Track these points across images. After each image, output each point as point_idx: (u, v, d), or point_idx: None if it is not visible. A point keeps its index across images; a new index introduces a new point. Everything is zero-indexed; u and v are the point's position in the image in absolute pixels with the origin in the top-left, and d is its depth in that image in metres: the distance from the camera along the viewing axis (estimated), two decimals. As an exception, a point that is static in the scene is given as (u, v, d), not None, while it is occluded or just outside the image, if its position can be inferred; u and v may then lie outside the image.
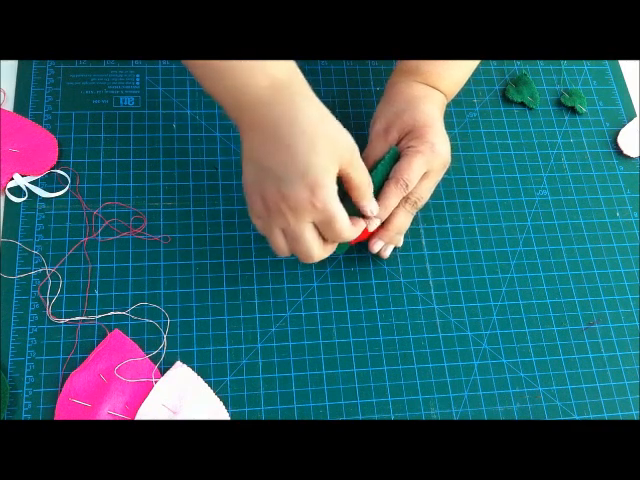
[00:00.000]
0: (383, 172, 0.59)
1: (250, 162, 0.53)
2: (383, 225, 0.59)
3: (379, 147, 0.61)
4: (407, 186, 0.58)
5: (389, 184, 0.58)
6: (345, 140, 0.52)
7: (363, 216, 0.57)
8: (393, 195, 0.58)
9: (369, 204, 0.56)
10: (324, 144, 0.50)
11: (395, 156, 0.60)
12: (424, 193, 0.60)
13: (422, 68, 0.63)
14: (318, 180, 0.49)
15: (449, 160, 0.61)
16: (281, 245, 0.55)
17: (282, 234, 0.54)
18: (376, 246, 0.61)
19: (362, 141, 0.68)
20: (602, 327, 0.64)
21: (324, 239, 0.55)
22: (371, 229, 0.58)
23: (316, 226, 0.53)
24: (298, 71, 0.53)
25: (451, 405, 0.59)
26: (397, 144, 0.60)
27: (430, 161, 0.59)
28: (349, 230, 0.54)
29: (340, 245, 0.60)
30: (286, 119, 0.50)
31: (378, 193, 0.59)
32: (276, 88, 0.51)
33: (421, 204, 0.60)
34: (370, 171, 0.59)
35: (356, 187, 0.54)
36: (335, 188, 0.51)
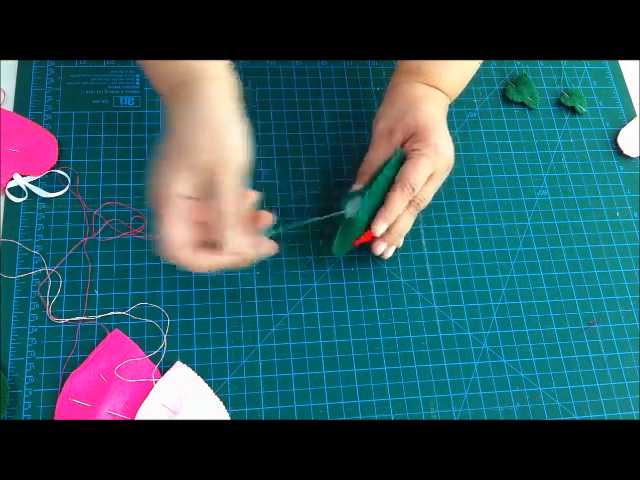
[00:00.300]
0: (389, 175, 0.59)
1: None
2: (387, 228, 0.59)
3: (383, 148, 0.61)
4: (413, 190, 0.58)
5: (396, 188, 0.58)
6: (211, 143, 0.48)
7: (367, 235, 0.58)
8: (400, 199, 0.58)
9: (222, 237, 0.48)
10: (181, 141, 0.48)
11: (401, 159, 0.60)
12: (428, 194, 0.60)
13: (424, 68, 0.63)
14: (159, 175, 0.48)
15: (453, 161, 0.61)
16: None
17: None
18: (379, 248, 0.61)
19: (362, 141, 0.68)
20: (602, 327, 0.64)
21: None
22: (378, 234, 0.59)
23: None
24: (224, 73, 0.51)
25: (451, 405, 0.59)
26: (401, 146, 0.60)
27: (435, 163, 0.59)
28: (170, 239, 0.48)
29: (341, 246, 0.61)
30: (176, 115, 0.49)
31: (384, 196, 0.59)
32: (186, 85, 0.51)
33: (424, 205, 0.60)
34: (376, 175, 0.59)
35: (213, 210, 0.48)
36: (178, 189, 0.47)
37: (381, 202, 0.59)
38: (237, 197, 0.48)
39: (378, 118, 0.63)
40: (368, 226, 0.59)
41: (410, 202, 0.59)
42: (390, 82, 0.65)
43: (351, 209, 0.58)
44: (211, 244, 0.49)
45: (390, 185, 0.59)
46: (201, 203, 0.48)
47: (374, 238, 0.60)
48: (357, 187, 0.61)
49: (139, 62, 0.56)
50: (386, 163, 0.59)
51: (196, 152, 0.47)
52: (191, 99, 0.50)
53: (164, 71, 0.53)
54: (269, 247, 0.52)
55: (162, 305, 0.60)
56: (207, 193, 0.48)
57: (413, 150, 0.59)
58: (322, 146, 0.70)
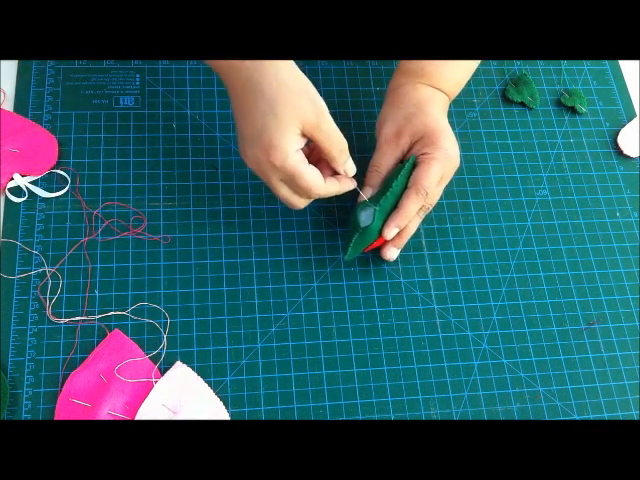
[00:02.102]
0: (403, 182, 0.59)
1: (236, 127, 0.56)
2: (398, 232, 0.59)
3: (390, 152, 0.61)
4: (427, 194, 0.58)
5: (410, 194, 0.58)
6: (309, 103, 0.53)
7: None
8: (414, 204, 0.58)
9: (340, 166, 0.57)
10: (283, 107, 0.52)
11: (413, 164, 0.60)
12: (436, 197, 0.60)
13: (426, 69, 0.63)
14: (272, 141, 0.52)
15: (459, 162, 0.61)
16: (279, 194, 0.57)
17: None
18: (390, 252, 0.61)
19: (362, 141, 0.68)
20: (602, 327, 0.64)
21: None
22: (389, 237, 0.59)
23: None
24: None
25: (451, 405, 0.59)
26: (408, 149, 0.60)
27: (445, 166, 0.59)
28: (319, 186, 0.55)
29: (353, 251, 0.60)
30: (250, 83, 0.53)
31: (398, 202, 0.59)
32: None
33: (431, 208, 0.60)
34: (390, 183, 0.59)
35: (325, 151, 0.55)
36: (295, 147, 0.53)
37: (393, 207, 0.59)
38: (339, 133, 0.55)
39: (383, 121, 0.62)
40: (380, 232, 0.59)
41: (421, 206, 0.59)
42: (390, 83, 0.65)
43: (366, 218, 0.58)
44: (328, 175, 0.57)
45: (403, 190, 0.59)
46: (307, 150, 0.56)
47: (385, 243, 0.60)
48: (367, 192, 0.61)
49: (207, 62, 0.59)
50: (400, 170, 0.59)
51: (302, 113, 0.52)
52: (268, 72, 0.53)
53: (230, 69, 0.55)
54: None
55: (162, 305, 0.60)
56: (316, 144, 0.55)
57: (423, 154, 0.59)
58: (322, 146, 0.69)
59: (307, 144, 0.56)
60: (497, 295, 0.64)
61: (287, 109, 0.52)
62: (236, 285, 0.62)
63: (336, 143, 0.55)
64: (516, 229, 0.68)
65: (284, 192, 0.56)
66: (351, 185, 0.59)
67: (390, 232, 0.59)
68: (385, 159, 0.61)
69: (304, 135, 0.54)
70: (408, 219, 0.59)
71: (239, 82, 0.54)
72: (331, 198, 0.59)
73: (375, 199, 0.59)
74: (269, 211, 0.65)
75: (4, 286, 0.59)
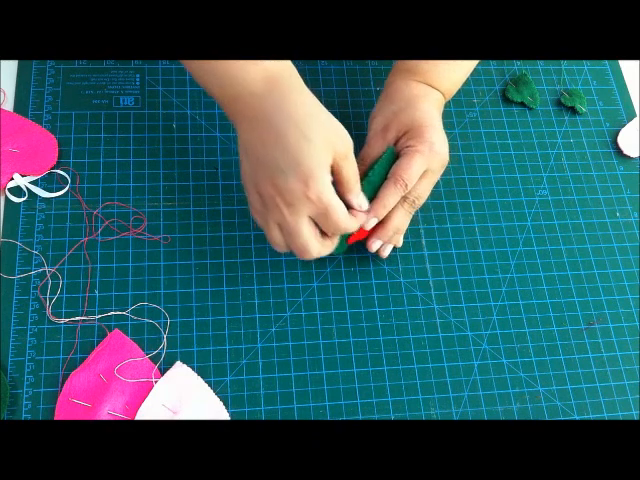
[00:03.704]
0: (380, 172, 0.59)
1: (245, 155, 0.53)
2: (381, 224, 0.59)
3: (377, 146, 0.61)
4: (406, 185, 0.58)
5: (388, 183, 0.58)
6: (340, 132, 0.52)
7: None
8: (392, 194, 0.58)
9: (356, 197, 0.55)
10: (317, 135, 0.50)
11: (392, 156, 0.60)
12: (423, 192, 0.60)
13: (421, 67, 0.63)
14: (312, 171, 0.49)
15: (447, 160, 0.61)
16: (278, 240, 0.55)
17: (279, 228, 0.54)
18: (374, 245, 0.61)
19: (362, 141, 0.68)
20: (602, 327, 0.64)
21: (322, 233, 0.55)
22: (368, 227, 0.58)
23: (313, 220, 0.53)
24: (292, 65, 0.53)
25: (451, 405, 0.59)
26: (395, 143, 0.60)
27: (429, 160, 0.59)
28: (347, 221, 0.54)
29: (338, 245, 0.60)
30: (279, 111, 0.50)
31: (376, 193, 0.59)
32: (269, 81, 0.51)
33: (419, 203, 0.60)
34: (367, 171, 0.59)
35: (345, 181, 0.54)
36: (329, 179, 0.51)
37: (372, 198, 0.59)
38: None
39: (374, 116, 0.63)
40: None
41: (404, 199, 0.59)
42: (387, 80, 0.65)
43: None
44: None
45: (381, 181, 0.59)
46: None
47: (369, 235, 0.60)
48: None
49: (188, 67, 0.56)
50: (377, 160, 0.59)
51: (333, 140, 0.51)
52: (289, 93, 0.51)
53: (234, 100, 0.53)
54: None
55: (162, 305, 0.60)
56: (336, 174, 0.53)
57: (407, 147, 0.59)
58: (322, 146, 0.69)
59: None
60: (497, 295, 0.64)
61: (320, 136, 0.50)
62: (236, 285, 0.62)
63: (355, 172, 0.54)
64: (516, 229, 0.68)
65: (305, 230, 0.53)
66: (374, 222, 0.58)
67: (369, 222, 0.58)
68: (371, 152, 0.61)
69: (331, 167, 0.52)
70: (386, 209, 0.58)
71: (262, 111, 0.51)
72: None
73: None
74: (269, 211, 0.65)
75: (4, 286, 0.59)
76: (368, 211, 0.57)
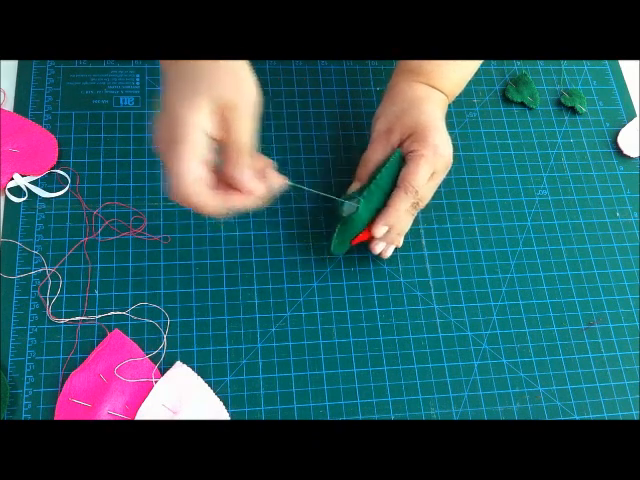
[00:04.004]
0: (388, 175, 0.59)
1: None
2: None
3: (381, 148, 0.61)
4: (416, 192, 0.58)
5: (399, 192, 0.58)
6: (234, 81, 0.47)
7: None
8: (402, 202, 0.58)
9: (232, 168, 0.47)
10: (201, 75, 0.46)
11: (399, 159, 0.60)
12: (427, 194, 0.60)
13: (424, 68, 0.63)
14: (177, 112, 0.46)
15: (451, 161, 0.61)
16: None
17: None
18: (377, 247, 0.61)
19: (362, 141, 0.68)
20: (602, 327, 0.64)
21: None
22: (378, 235, 0.59)
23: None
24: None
25: (451, 405, 0.59)
26: (399, 145, 0.60)
27: (434, 164, 0.59)
28: (187, 176, 0.46)
29: (341, 245, 0.61)
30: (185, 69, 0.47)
31: (386, 198, 0.59)
32: None
33: (423, 205, 0.60)
34: (375, 174, 0.59)
35: (230, 142, 0.47)
36: (196, 120, 0.45)
37: (379, 201, 0.59)
38: (253, 135, 0.48)
39: (377, 117, 0.63)
40: (366, 225, 0.59)
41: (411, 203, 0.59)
42: (389, 81, 0.65)
43: (349, 208, 0.58)
44: (225, 186, 0.48)
45: (388, 184, 0.59)
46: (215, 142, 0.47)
47: (372, 237, 0.60)
48: (355, 186, 0.61)
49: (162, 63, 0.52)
50: (384, 163, 0.59)
51: (219, 87, 0.46)
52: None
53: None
54: (280, 181, 0.50)
55: (162, 305, 0.60)
56: (222, 132, 0.47)
57: (412, 151, 0.59)
58: (322, 146, 0.70)
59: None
60: (497, 295, 0.65)
61: (205, 79, 0.46)
62: (236, 285, 0.62)
63: (244, 138, 0.47)
64: (516, 229, 0.68)
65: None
66: (384, 230, 0.57)
67: (379, 230, 0.59)
68: (375, 154, 0.61)
69: (217, 119, 0.46)
70: (397, 217, 0.59)
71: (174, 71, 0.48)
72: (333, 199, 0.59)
73: (359, 191, 0.60)
74: (269, 211, 0.65)
75: (4, 286, 0.59)
76: (385, 223, 0.58)
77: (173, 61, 0.48)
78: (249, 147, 0.48)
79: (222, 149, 0.47)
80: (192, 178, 0.46)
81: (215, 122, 0.46)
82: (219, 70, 0.46)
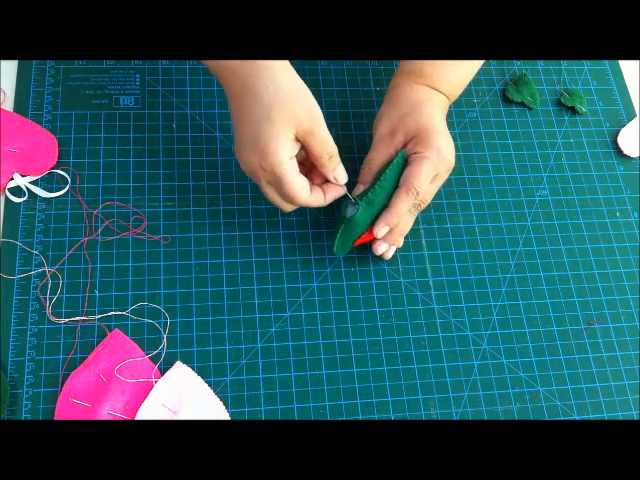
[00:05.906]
0: (392, 177, 0.59)
1: (233, 128, 0.58)
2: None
3: (384, 150, 0.61)
4: (418, 193, 0.58)
5: (400, 193, 0.58)
6: (304, 109, 0.55)
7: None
8: (404, 203, 0.58)
9: (331, 172, 0.58)
10: (278, 113, 0.54)
11: (403, 161, 0.60)
12: (429, 196, 0.60)
13: (425, 70, 0.63)
14: (268, 148, 0.54)
15: (454, 163, 0.61)
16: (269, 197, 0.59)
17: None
18: (380, 248, 0.61)
19: (362, 141, 0.68)
20: (602, 327, 0.64)
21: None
22: (380, 236, 0.59)
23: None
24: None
25: (451, 405, 0.59)
26: (403, 148, 0.60)
27: (437, 166, 0.59)
28: (300, 196, 0.57)
29: (343, 246, 0.61)
30: (247, 87, 0.55)
31: (389, 199, 0.59)
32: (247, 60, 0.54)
33: (425, 206, 0.60)
34: (379, 176, 0.59)
35: (314, 155, 0.57)
36: (287, 154, 0.55)
37: (383, 202, 0.59)
38: (331, 139, 0.57)
39: (379, 119, 0.63)
40: (368, 226, 0.59)
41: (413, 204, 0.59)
42: (390, 83, 0.65)
43: (352, 209, 0.59)
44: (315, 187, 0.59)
45: (392, 186, 0.59)
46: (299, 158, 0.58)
47: (375, 238, 0.60)
48: (359, 189, 0.61)
49: (205, 62, 0.60)
50: (388, 164, 0.59)
51: (296, 118, 0.54)
52: (264, 76, 0.54)
53: (227, 72, 0.57)
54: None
55: (162, 305, 0.60)
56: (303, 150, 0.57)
57: (415, 153, 0.59)
58: (322, 146, 0.69)
59: (303, 148, 0.57)
60: (497, 295, 0.64)
61: (282, 115, 0.54)
62: (236, 285, 0.62)
63: (328, 148, 0.57)
64: (516, 229, 0.68)
65: (272, 195, 0.58)
66: (341, 191, 0.60)
67: (380, 230, 0.59)
68: (378, 157, 0.61)
69: (298, 140, 0.56)
70: (399, 218, 0.59)
71: (236, 85, 0.55)
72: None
73: (363, 192, 0.60)
74: (269, 211, 0.65)
75: (4, 286, 0.59)
76: (387, 224, 0.59)
77: (239, 78, 0.55)
78: (333, 149, 0.57)
79: (312, 159, 0.58)
80: (303, 189, 0.57)
81: (297, 146, 0.56)
82: (296, 102, 0.54)
